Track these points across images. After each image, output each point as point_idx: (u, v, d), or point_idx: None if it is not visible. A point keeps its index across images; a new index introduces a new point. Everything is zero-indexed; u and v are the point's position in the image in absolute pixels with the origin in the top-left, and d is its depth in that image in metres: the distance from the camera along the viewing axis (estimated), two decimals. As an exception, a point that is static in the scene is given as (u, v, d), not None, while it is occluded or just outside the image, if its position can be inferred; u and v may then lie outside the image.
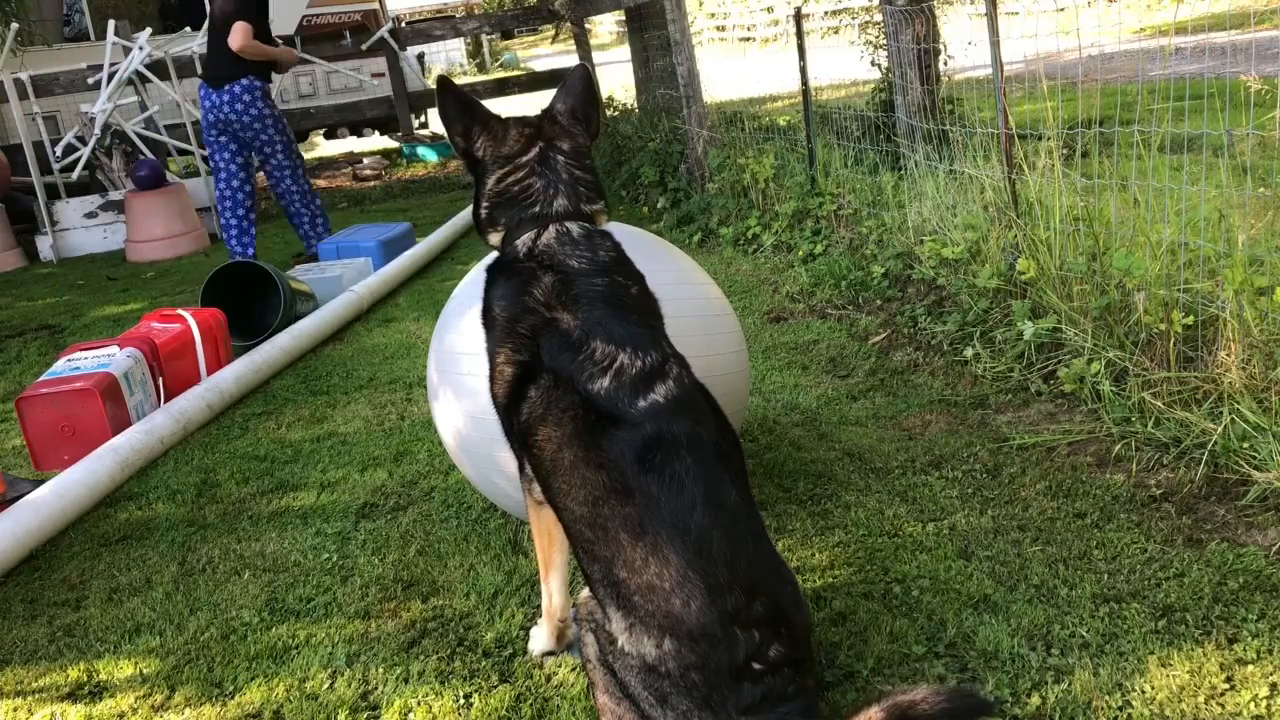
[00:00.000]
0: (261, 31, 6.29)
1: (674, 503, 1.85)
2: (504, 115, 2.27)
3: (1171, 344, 3.10)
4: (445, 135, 9.41)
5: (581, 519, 1.94)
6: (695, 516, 1.85)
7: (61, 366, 4.15)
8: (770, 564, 1.91)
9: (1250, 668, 2.07)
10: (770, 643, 1.79)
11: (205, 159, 9.14)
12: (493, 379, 2.12)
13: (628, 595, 1.85)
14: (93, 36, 11.26)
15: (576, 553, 2.00)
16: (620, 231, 3.15)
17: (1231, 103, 3.59)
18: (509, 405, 2.08)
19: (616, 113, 9.45)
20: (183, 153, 9.69)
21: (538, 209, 2.15)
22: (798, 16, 6.07)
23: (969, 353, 3.77)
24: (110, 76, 8.68)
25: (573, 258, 2.09)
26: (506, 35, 32.17)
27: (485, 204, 2.21)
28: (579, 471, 1.93)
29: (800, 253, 5.35)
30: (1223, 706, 1.98)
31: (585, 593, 1.98)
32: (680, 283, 2.89)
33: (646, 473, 1.88)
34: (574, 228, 2.14)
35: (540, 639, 2.38)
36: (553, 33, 31.16)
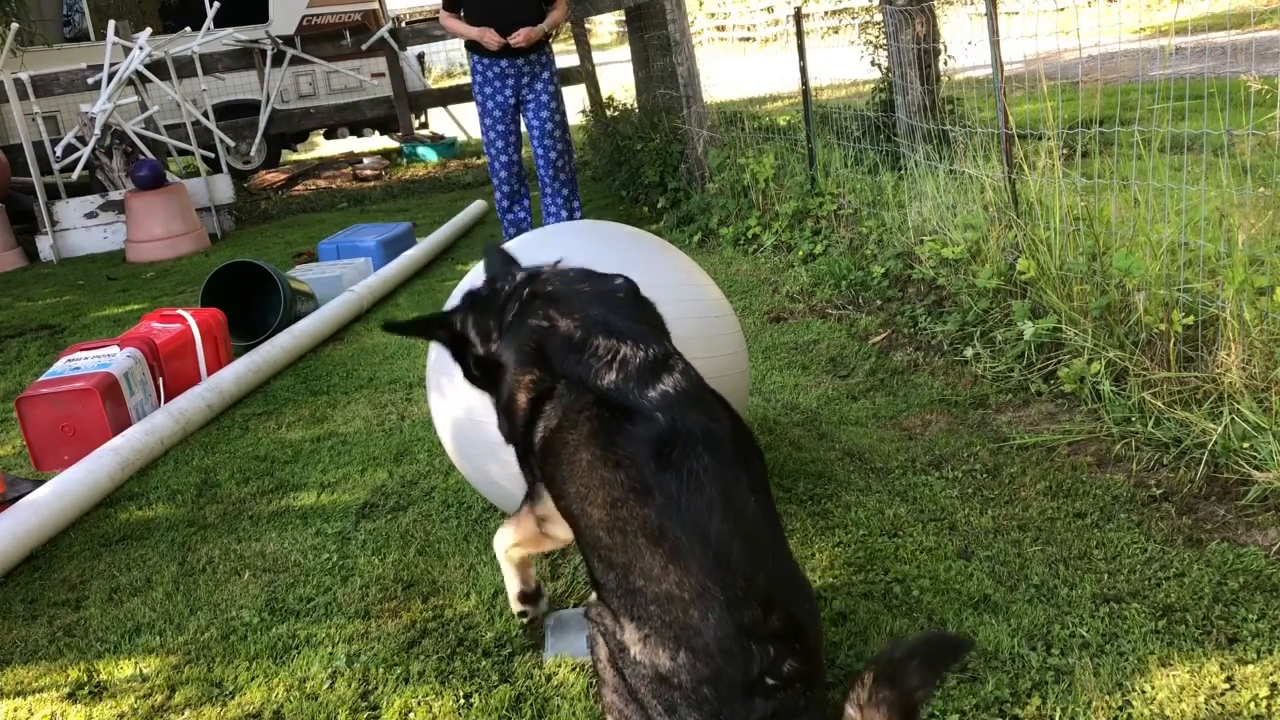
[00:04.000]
0: (463, 14, 6.14)
1: (694, 504, 1.83)
2: None
3: (1171, 344, 3.10)
4: (443, 137, 9.03)
5: (600, 523, 1.91)
6: (714, 522, 1.82)
7: (61, 366, 4.15)
8: (789, 576, 1.88)
9: (1250, 668, 2.07)
10: (785, 658, 1.76)
11: (204, 159, 9.18)
12: (509, 413, 2.11)
13: (644, 604, 1.82)
14: (93, 36, 11.25)
15: (591, 561, 1.97)
16: (620, 231, 3.17)
17: (1231, 103, 3.59)
18: (527, 429, 2.06)
19: (616, 113, 9.45)
20: (183, 153, 9.69)
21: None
22: (798, 16, 6.07)
23: (969, 353, 3.77)
24: (110, 76, 8.68)
25: (556, 283, 2.15)
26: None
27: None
28: (597, 472, 1.91)
29: (800, 253, 5.35)
30: (1223, 706, 1.98)
31: (595, 594, 1.97)
32: (680, 284, 2.89)
33: (664, 470, 1.85)
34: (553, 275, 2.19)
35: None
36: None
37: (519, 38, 5.88)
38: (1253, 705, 1.97)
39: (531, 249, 2.97)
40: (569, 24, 9.19)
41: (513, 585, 2.41)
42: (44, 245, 8.51)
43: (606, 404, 1.92)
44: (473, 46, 6.12)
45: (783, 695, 1.75)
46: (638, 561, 1.84)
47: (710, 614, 1.77)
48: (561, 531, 2.19)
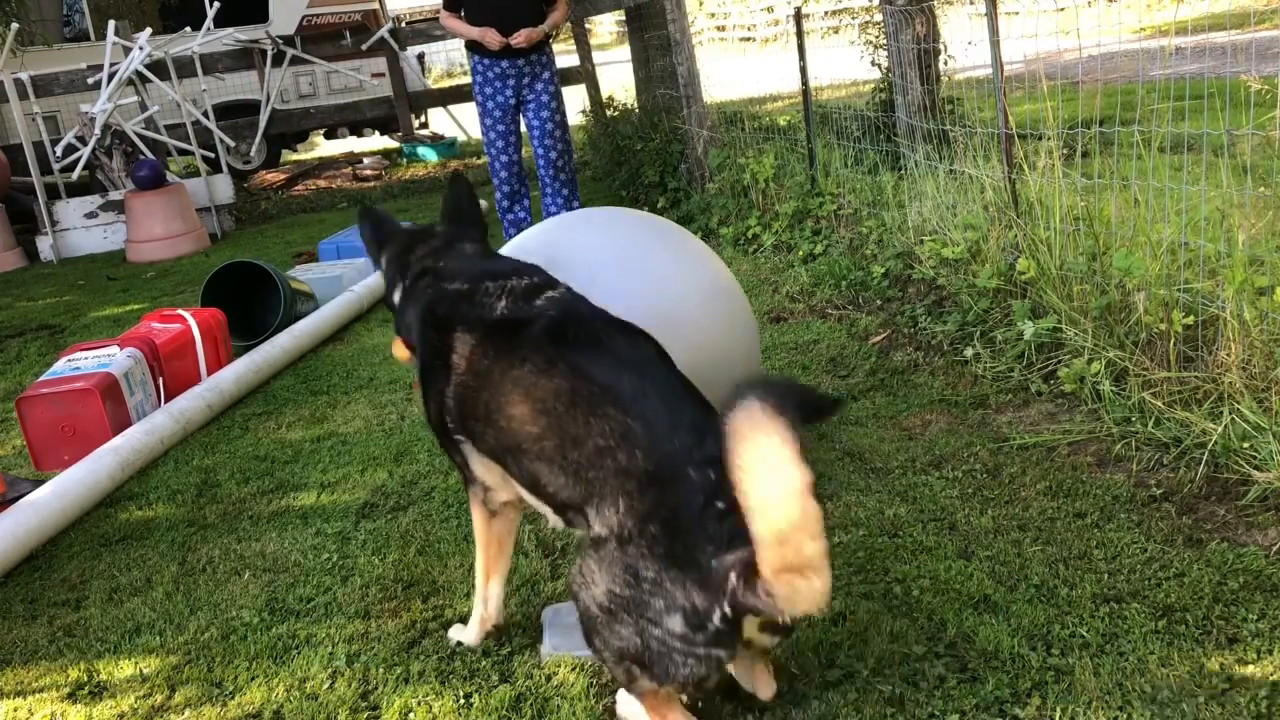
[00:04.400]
0: (464, 14, 6.07)
1: (598, 363, 1.95)
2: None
3: (1171, 344, 3.10)
4: (443, 137, 9.10)
5: (526, 419, 1.99)
6: (625, 371, 1.93)
7: (61, 366, 4.15)
8: (717, 422, 1.81)
9: (1250, 668, 2.07)
10: (731, 482, 1.70)
11: (204, 159, 9.18)
12: (426, 393, 2.26)
13: (586, 477, 1.88)
14: (93, 36, 11.25)
15: (542, 480, 2.02)
16: (628, 214, 3.23)
17: (1231, 103, 3.59)
18: (440, 396, 2.19)
19: (616, 113, 9.45)
20: (183, 153, 9.69)
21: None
22: (798, 16, 6.07)
23: (969, 353, 3.77)
24: (110, 76, 8.68)
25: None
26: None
27: None
28: (508, 375, 2.03)
29: (800, 253, 5.35)
30: (1223, 706, 1.98)
31: (574, 567, 1.99)
32: (688, 259, 2.99)
33: (563, 345, 2.00)
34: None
35: (464, 634, 2.44)
36: (553, 33, 31.14)
37: (520, 38, 5.88)
38: (1253, 705, 1.97)
39: (554, 234, 3.05)
40: (569, 24, 9.19)
41: (472, 630, 2.44)
42: (44, 245, 8.51)
43: (503, 325, 2.09)
44: (473, 46, 6.11)
45: (736, 518, 1.66)
46: (566, 434, 1.92)
47: (636, 449, 1.80)
48: (504, 494, 2.27)
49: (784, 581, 1.62)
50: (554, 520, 2.12)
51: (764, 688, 2.09)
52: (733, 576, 1.70)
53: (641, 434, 1.83)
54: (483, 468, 2.22)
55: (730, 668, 2.16)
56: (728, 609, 1.72)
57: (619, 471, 1.83)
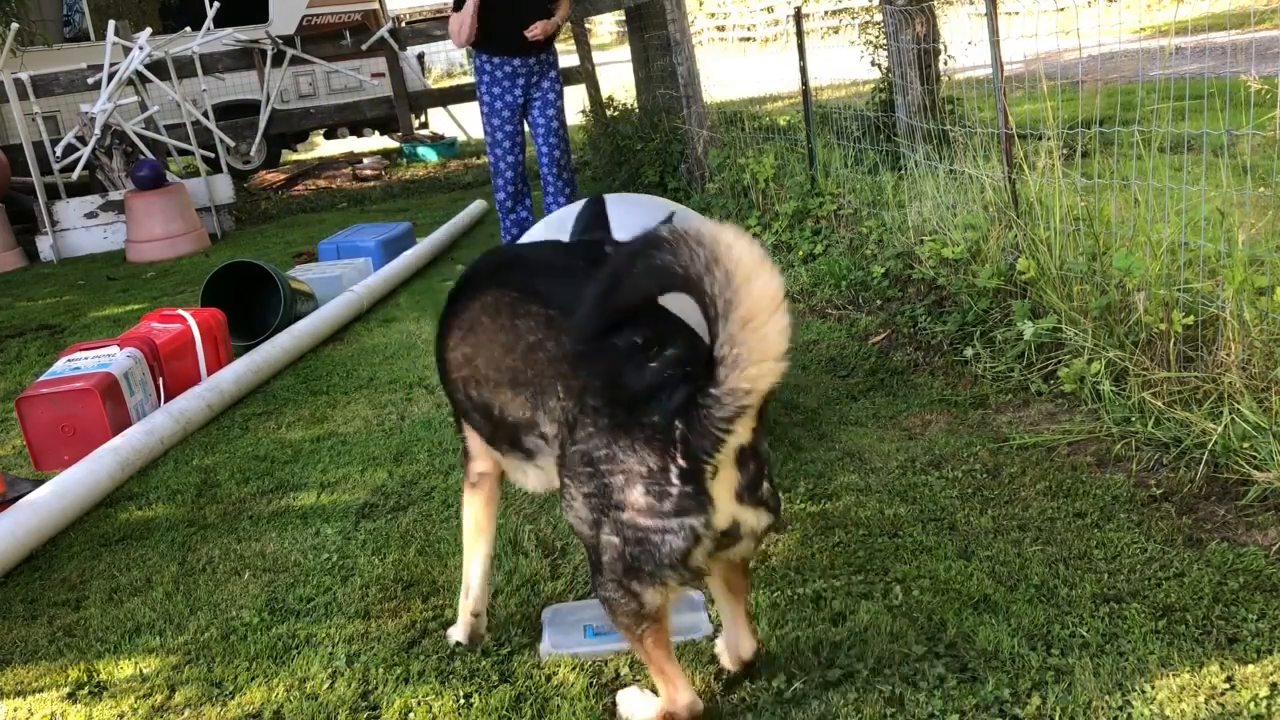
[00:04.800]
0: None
1: (516, 274, 2.11)
2: None
3: (1171, 344, 3.10)
4: (443, 137, 9.16)
5: (467, 346, 2.15)
6: (544, 274, 2.06)
7: (61, 366, 4.15)
8: None
9: (1250, 668, 2.07)
10: (659, 347, 1.80)
11: (204, 159, 9.18)
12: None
13: (526, 378, 1.99)
14: (93, 36, 11.25)
15: (493, 406, 2.10)
16: (638, 198, 3.29)
17: (1231, 103, 3.59)
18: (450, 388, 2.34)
19: (616, 113, 9.45)
20: (183, 153, 9.69)
21: None
22: (798, 16, 6.07)
23: (969, 353, 3.77)
24: (110, 76, 8.68)
25: None
26: (506, 35, 32.23)
27: None
28: (450, 326, 2.20)
29: (800, 253, 5.35)
30: (1223, 706, 1.98)
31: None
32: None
33: (488, 275, 2.16)
34: None
35: (456, 631, 2.46)
36: (553, 33, 31.12)
37: (536, 30, 5.87)
38: (1253, 705, 1.97)
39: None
40: (569, 24, 9.18)
41: (460, 622, 2.45)
42: (44, 245, 8.51)
43: (449, 300, 2.25)
44: (481, 45, 6.07)
45: (668, 369, 1.77)
46: (498, 343, 2.05)
47: (562, 333, 1.90)
48: (481, 463, 2.35)
49: (751, 330, 1.62)
50: (538, 476, 2.17)
51: (746, 643, 2.12)
52: (677, 423, 1.71)
53: (564, 319, 1.90)
54: (471, 435, 2.33)
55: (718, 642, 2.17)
56: (683, 461, 1.73)
57: (551, 359, 1.92)
